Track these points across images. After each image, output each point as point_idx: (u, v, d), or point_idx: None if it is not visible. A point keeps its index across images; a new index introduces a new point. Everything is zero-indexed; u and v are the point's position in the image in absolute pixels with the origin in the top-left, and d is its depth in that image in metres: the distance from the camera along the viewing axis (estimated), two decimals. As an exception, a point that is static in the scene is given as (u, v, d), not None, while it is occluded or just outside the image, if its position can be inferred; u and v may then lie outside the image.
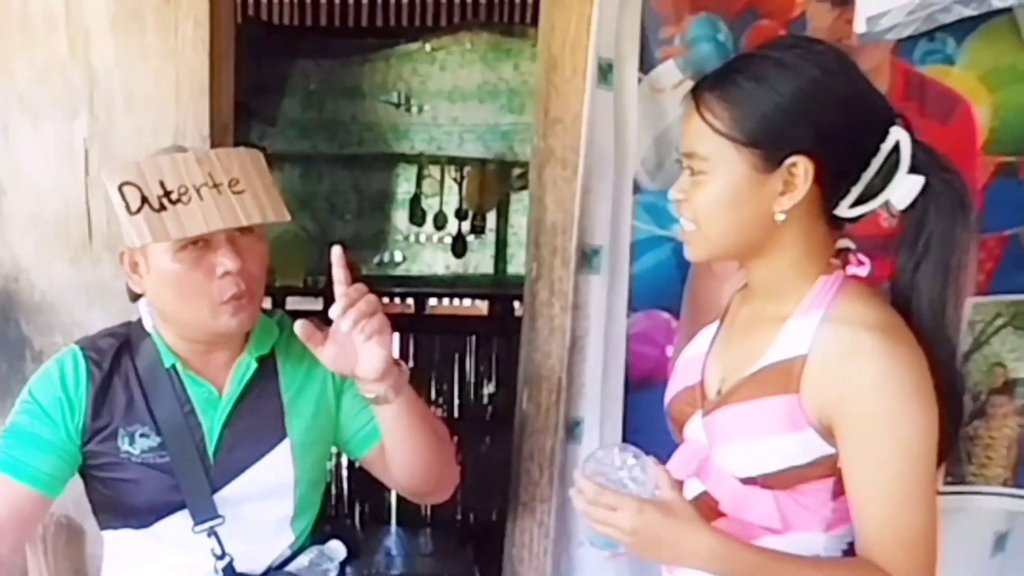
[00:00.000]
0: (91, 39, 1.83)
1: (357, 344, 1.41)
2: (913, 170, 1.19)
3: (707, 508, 1.29)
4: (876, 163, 1.20)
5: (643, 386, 1.90)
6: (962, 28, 1.81)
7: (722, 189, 1.21)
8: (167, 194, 1.39)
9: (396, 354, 1.48)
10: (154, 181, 1.39)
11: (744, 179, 1.20)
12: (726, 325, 1.40)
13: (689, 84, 1.83)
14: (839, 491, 1.22)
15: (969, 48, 1.85)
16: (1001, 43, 1.85)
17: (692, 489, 1.34)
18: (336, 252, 1.40)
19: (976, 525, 2.04)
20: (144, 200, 1.37)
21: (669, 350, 1.91)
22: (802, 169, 1.17)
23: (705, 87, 1.22)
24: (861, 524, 1.20)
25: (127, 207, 1.36)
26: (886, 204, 1.21)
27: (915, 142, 1.19)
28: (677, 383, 1.42)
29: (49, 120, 1.85)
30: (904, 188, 1.19)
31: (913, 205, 1.21)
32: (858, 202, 1.22)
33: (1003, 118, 1.88)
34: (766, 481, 1.24)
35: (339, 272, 1.40)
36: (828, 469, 1.21)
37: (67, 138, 1.85)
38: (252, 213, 1.44)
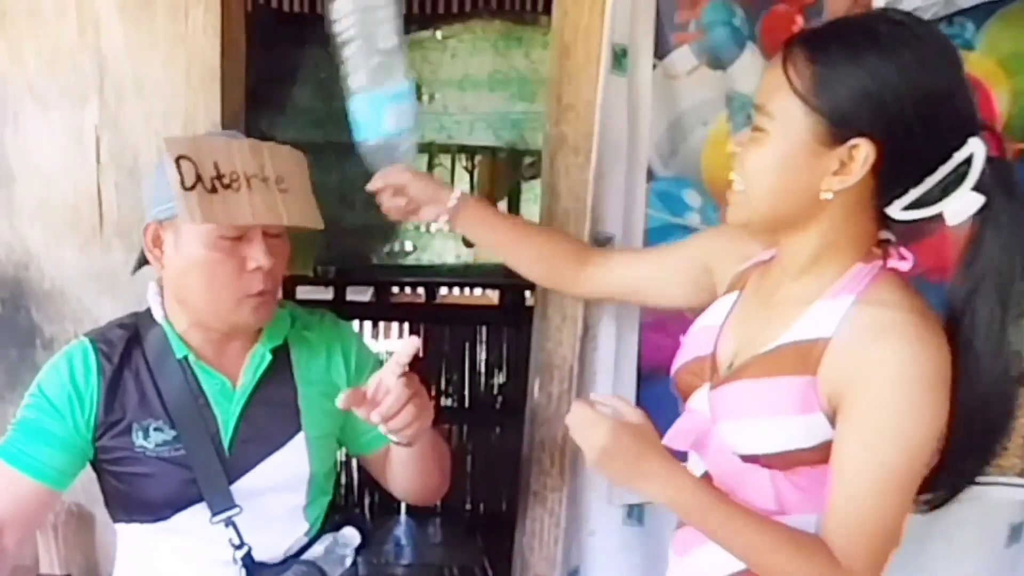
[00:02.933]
0: (101, 25, 1.82)
1: None
2: (977, 188, 1.14)
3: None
4: (943, 171, 1.14)
5: (655, 375, 1.88)
6: (981, 13, 1.80)
7: (777, 151, 1.18)
8: (219, 176, 1.39)
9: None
10: (209, 161, 1.39)
11: (802, 147, 1.16)
12: (745, 297, 1.37)
13: (704, 70, 1.84)
14: None
15: (988, 33, 1.83)
16: (1020, 28, 1.82)
17: (696, 468, 1.34)
18: (409, 346, 1.34)
19: (991, 515, 2.03)
20: (198, 178, 1.37)
21: (682, 339, 1.90)
22: (863, 153, 1.13)
23: (798, 43, 1.17)
24: (830, 501, 1.18)
25: (182, 181, 1.36)
26: (940, 215, 1.16)
27: (990, 160, 1.14)
28: (687, 352, 1.40)
29: (59, 107, 1.84)
30: (961, 204, 1.14)
31: (975, 224, 1.16)
32: (911, 206, 1.17)
33: (1022, 103, 1.86)
34: (767, 460, 1.23)
35: (399, 368, 1.34)
36: (829, 454, 1.19)
37: (77, 125, 1.84)
38: (294, 214, 1.45)
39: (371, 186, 1.64)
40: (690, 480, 1.22)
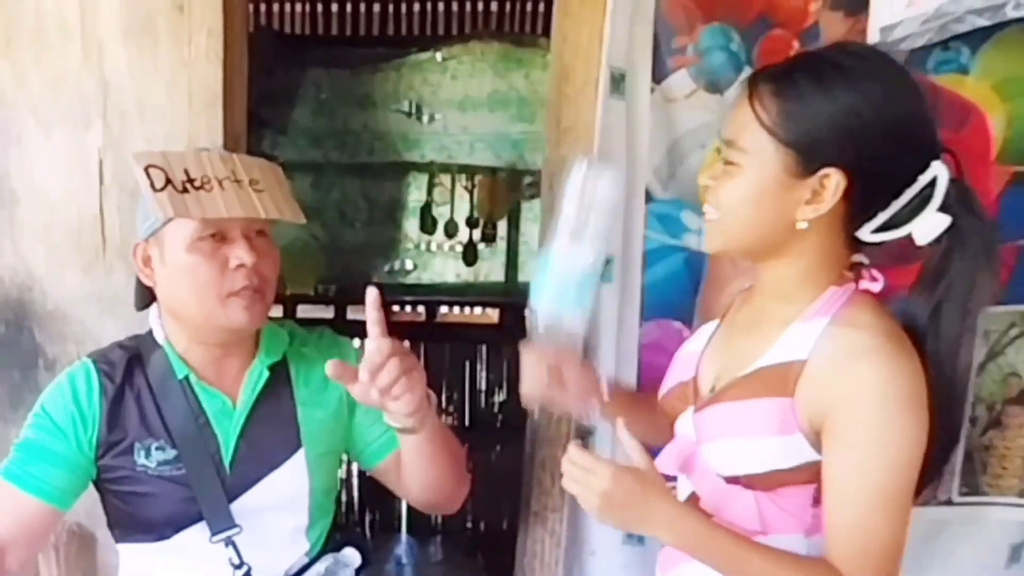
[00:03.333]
0: (104, 49, 1.83)
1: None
2: (943, 209, 1.17)
3: (694, 507, 1.30)
4: (909, 194, 1.18)
5: (654, 396, 1.89)
6: (976, 38, 1.81)
7: (750, 184, 1.20)
8: (191, 180, 1.43)
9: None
10: (179, 168, 1.43)
11: (774, 179, 1.19)
12: (726, 324, 1.40)
13: (702, 93, 1.85)
14: (820, 498, 1.22)
15: (983, 58, 1.84)
16: (1015, 53, 1.83)
17: (684, 490, 1.35)
18: (371, 294, 1.36)
19: (991, 536, 2.03)
20: (168, 181, 1.41)
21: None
22: (834, 182, 1.16)
23: (763, 78, 1.21)
24: (830, 526, 1.19)
25: (151, 184, 1.39)
26: (908, 236, 1.20)
27: (953, 181, 1.18)
28: (672, 379, 1.42)
29: (62, 130, 1.86)
30: (929, 224, 1.18)
31: (938, 242, 1.19)
32: (881, 228, 1.20)
33: (1017, 128, 1.87)
34: (749, 481, 1.25)
35: (373, 314, 1.35)
36: (811, 475, 1.21)
37: (80, 148, 1.86)
38: (271, 209, 1.47)
39: (527, 359, 1.49)
40: (697, 520, 1.22)
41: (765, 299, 1.30)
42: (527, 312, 1.41)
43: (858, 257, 1.27)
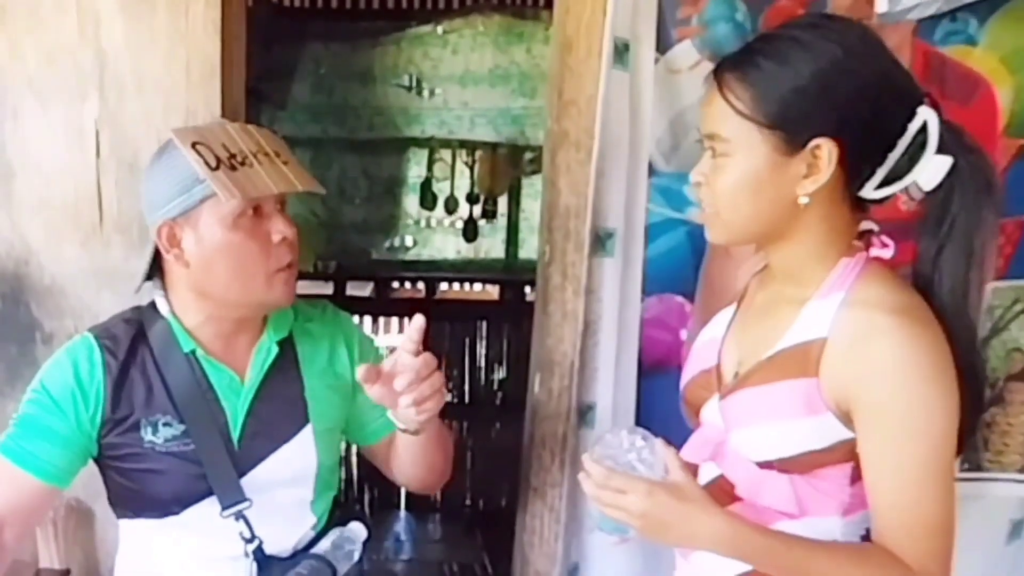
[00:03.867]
0: (101, 21, 1.81)
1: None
2: (940, 151, 1.16)
3: (723, 492, 1.28)
4: (903, 144, 1.17)
5: (656, 371, 1.88)
6: (984, 9, 1.80)
7: (744, 173, 1.19)
8: (232, 156, 1.41)
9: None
10: (217, 144, 1.41)
11: (766, 162, 1.18)
12: (743, 308, 1.38)
13: (707, 65, 1.83)
14: (857, 476, 1.21)
15: (991, 29, 1.83)
16: (1023, 25, 1.82)
17: (708, 473, 1.34)
18: (418, 322, 1.35)
19: (992, 512, 2.03)
20: (218, 159, 1.38)
21: (683, 334, 1.90)
22: (826, 152, 1.15)
23: (726, 67, 1.20)
24: (876, 509, 1.18)
25: (206, 163, 1.37)
26: (911, 186, 1.19)
27: (942, 122, 1.17)
28: (693, 367, 1.41)
29: (59, 103, 1.84)
30: (931, 169, 1.17)
31: (939, 187, 1.18)
32: (884, 183, 1.19)
33: (1025, 100, 1.86)
34: (783, 465, 1.23)
35: (412, 344, 1.35)
36: (846, 454, 1.20)
37: (77, 121, 1.84)
38: (304, 180, 1.47)
39: None
40: (745, 528, 1.19)
41: (779, 281, 1.29)
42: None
43: (867, 224, 1.25)
